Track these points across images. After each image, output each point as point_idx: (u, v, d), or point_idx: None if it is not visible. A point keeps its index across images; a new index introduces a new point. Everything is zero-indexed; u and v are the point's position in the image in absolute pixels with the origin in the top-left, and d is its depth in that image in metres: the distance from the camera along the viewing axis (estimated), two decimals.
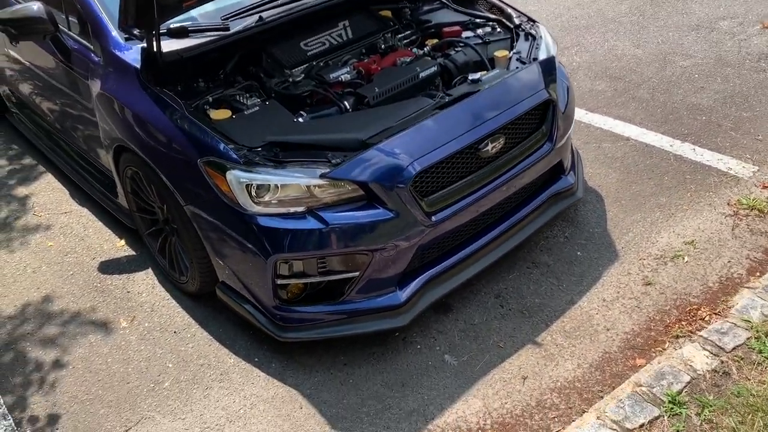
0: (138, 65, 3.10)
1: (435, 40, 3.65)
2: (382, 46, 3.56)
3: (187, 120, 2.86)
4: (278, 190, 2.68)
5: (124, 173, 3.43)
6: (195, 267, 3.18)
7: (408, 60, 3.45)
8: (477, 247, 3.10)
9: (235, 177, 2.67)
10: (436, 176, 2.86)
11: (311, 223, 2.69)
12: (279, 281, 2.79)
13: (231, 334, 3.21)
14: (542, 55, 3.40)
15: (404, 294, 2.90)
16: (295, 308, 2.88)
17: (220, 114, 3.00)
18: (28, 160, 4.90)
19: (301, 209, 2.71)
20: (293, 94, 3.14)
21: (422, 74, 3.27)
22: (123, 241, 3.90)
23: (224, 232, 2.83)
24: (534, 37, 3.56)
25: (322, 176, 2.66)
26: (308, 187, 2.68)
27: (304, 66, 3.35)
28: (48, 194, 4.46)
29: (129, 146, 3.20)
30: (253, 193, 2.69)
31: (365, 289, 2.85)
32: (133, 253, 3.82)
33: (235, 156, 2.69)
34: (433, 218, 2.84)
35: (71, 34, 3.60)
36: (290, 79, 3.21)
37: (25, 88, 4.50)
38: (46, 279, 3.69)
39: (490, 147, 2.96)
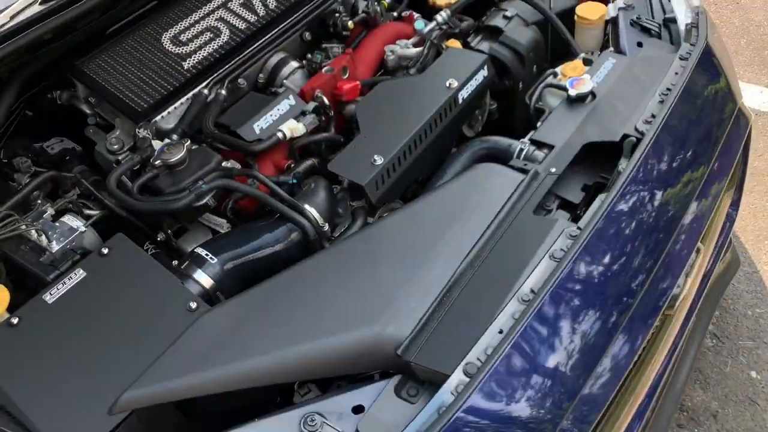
0: None
1: None
2: (344, 19, 1.62)
3: None
4: None
5: None
6: None
7: (411, 48, 1.58)
8: None
9: None
10: None
11: None
12: None
13: None
14: (683, 16, 1.63)
15: None
16: None
17: None
18: None
19: None
20: (172, 208, 1.22)
21: (463, 92, 1.43)
22: None
23: None
24: None
25: None
26: None
27: (183, 100, 1.40)
28: None
29: None
30: None
31: None
32: None
33: None
34: None
35: None
36: (152, 156, 1.28)
37: None
38: None
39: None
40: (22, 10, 1.35)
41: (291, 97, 1.39)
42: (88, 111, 1.46)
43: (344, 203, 1.34)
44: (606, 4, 1.68)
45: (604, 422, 1.12)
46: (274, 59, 1.53)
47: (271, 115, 1.36)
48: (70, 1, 1.34)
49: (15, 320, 1.03)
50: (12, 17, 1.34)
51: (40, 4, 1.36)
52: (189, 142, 1.28)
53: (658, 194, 1.24)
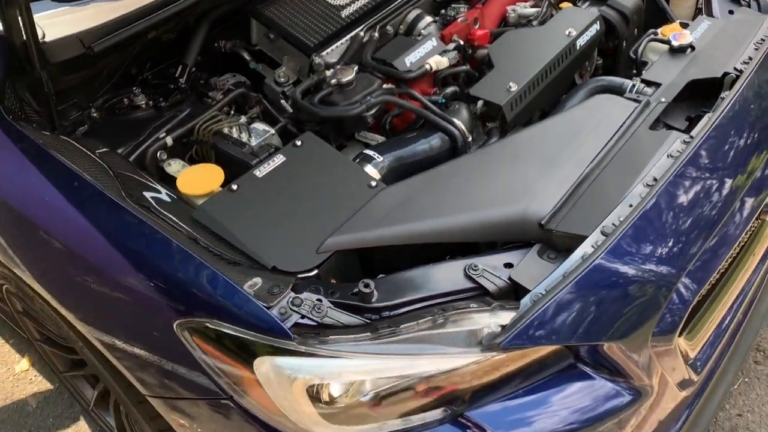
0: None
1: None
2: None
3: (130, 216, 1.20)
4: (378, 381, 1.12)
5: None
6: None
7: (529, 8, 1.83)
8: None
9: (283, 370, 1.07)
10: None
11: None
12: None
13: None
14: None
15: None
16: None
17: (197, 179, 1.35)
18: None
19: (436, 417, 1.16)
20: (349, 115, 1.49)
21: (580, 40, 1.68)
22: (26, 362, 2.25)
23: None
24: None
25: (490, 347, 1.10)
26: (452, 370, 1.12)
27: (343, 41, 1.68)
28: None
29: None
30: (325, 396, 1.12)
31: None
32: (48, 386, 2.18)
33: (271, 318, 1.08)
34: (699, 366, 1.36)
35: None
36: (327, 77, 1.55)
37: None
38: None
39: None
40: None
41: (434, 38, 1.66)
42: (247, 57, 1.76)
43: (477, 129, 1.59)
44: None
45: (708, 301, 1.33)
46: (413, 14, 1.80)
47: (418, 52, 1.63)
48: None
49: (235, 187, 1.31)
50: None
51: None
52: (356, 66, 1.55)
53: (758, 118, 1.45)
